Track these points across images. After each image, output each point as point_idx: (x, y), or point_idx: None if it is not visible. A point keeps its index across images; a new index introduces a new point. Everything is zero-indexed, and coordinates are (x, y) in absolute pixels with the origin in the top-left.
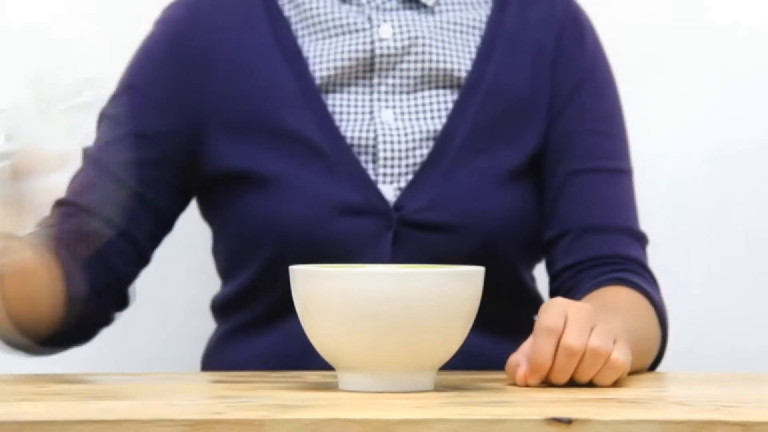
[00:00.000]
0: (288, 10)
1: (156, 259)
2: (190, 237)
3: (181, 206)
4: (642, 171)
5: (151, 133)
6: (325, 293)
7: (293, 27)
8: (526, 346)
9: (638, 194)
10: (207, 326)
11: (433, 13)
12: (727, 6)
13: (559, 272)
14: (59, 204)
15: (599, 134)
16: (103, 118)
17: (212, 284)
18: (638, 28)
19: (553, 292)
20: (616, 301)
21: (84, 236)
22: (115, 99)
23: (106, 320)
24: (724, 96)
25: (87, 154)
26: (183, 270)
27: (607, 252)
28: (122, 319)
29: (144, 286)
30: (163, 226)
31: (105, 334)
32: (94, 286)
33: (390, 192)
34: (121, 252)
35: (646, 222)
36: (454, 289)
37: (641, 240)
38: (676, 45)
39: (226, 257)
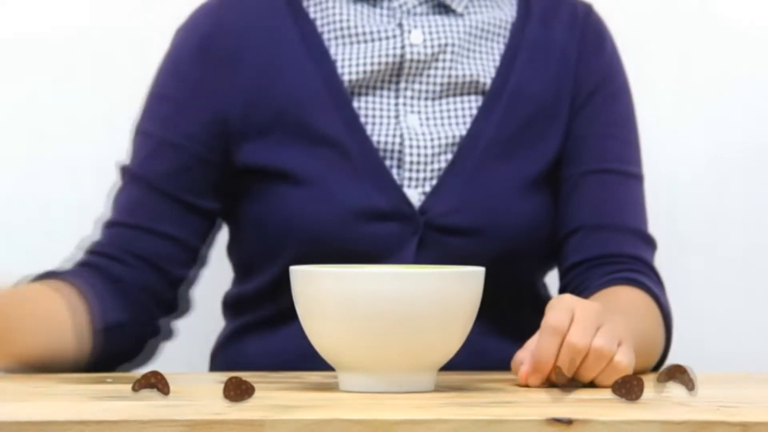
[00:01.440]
0: (313, 13)
1: None
2: None
3: (224, 202)
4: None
5: (186, 140)
6: (325, 294)
7: (319, 30)
8: (532, 343)
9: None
10: (210, 326)
11: (462, 16)
12: (730, 5)
13: (569, 269)
14: (109, 225)
15: (612, 138)
16: (138, 133)
17: (217, 284)
18: (638, 27)
19: (563, 289)
20: (624, 301)
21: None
22: (147, 112)
23: (157, 331)
24: (725, 97)
25: (126, 171)
26: None
27: (616, 251)
28: None
29: None
30: (211, 224)
31: None
32: (141, 299)
33: (415, 196)
34: (171, 256)
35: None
36: (454, 290)
37: (650, 243)
38: (677, 45)
39: (247, 256)
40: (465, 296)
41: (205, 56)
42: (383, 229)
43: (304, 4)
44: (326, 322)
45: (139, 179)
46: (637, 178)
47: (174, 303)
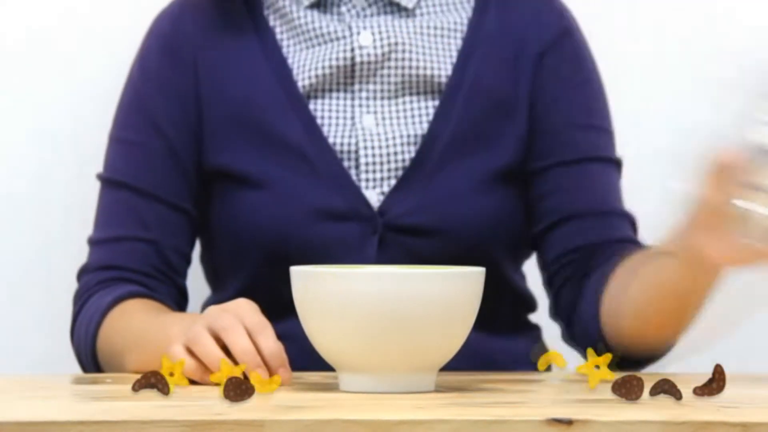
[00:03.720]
0: (273, 20)
1: None
2: None
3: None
4: (639, 169)
5: (165, 144)
6: (325, 294)
7: (278, 37)
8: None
9: (633, 193)
10: None
11: (414, 16)
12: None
13: (561, 256)
14: (119, 239)
15: (590, 128)
16: (113, 140)
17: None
18: (636, 24)
19: (551, 278)
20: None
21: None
22: (120, 119)
23: None
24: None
25: (111, 180)
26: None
27: (613, 237)
28: None
29: None
30: (196, 228)
31: None
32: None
33: (374, 197)
34: (178, 266)
35: (646, 219)
36: (454, 290)
37: (633, 222)
38: (677, 40)
39: (214, 266)
40: (465, 296)
41: (168, 57)
42: (343, 230)
43: (265, 12)
44: (326, 322)
45: (127, 187)
46: (615, 162)
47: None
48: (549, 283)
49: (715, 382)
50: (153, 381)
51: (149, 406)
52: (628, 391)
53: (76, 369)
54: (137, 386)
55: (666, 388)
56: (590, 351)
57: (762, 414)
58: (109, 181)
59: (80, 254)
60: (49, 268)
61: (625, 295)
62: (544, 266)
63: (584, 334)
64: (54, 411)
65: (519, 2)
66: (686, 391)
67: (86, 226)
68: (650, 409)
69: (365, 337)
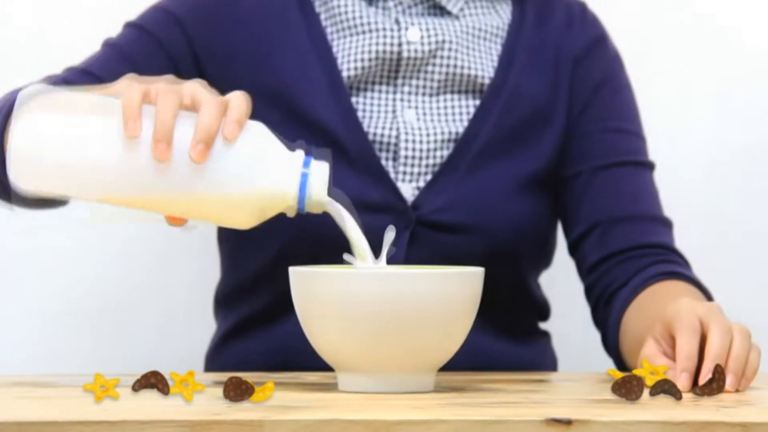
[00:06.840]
0: (318, 7)
1: (156, 260)
2: (190, 237)
3: None
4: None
5: (168, 47)
6: (324, 294)
7: (323, 24)
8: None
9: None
10: (207, 326)
11: (457, 18)
12: (729, 6)
13: (595, 265)
14: (82, 72)
15: (621, 132)
16: (130, 25)
17: (213, 284)
18: (637, 29)
19: (590, 287)
20: (675, 296)
21: None
22: (145, 15)
23: None
24: (724, 99)
25: (110, 43)
26: (183, 270)
27: (642, 241)
28: (123, 319)
29: (144, 286)
30: None
31: (106, 335)
32: None
33: (408, 191)
34: None
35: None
36: (454, 290)
37: (669, 225)
38: (677, 46)
39: (235, 245)
40: (465, 296)
41: (211, 13)
42: (375, 222)
43: None
44: (326, 323)
45: (116, 48)
46: (647, 166)
47: None
48: (587, 294)
49: (715, 382)
50: (153, 381)
51: (149, 406)
52: (628, 391)
53: (76, 369)
54: (137, 386)
55: (666, 388)
56: (645, 362)
57: (762, 414)
58: (106, 42)
59: (77, 253)
60: (48, 266)
61: (626, 334)
62: (582, 274)
63: (613, 352)
64: (54, 411)
65: (554, 11)
66: (686, 391)
67: (87, 227)
68: (650, 409)
69: (364, 338)
